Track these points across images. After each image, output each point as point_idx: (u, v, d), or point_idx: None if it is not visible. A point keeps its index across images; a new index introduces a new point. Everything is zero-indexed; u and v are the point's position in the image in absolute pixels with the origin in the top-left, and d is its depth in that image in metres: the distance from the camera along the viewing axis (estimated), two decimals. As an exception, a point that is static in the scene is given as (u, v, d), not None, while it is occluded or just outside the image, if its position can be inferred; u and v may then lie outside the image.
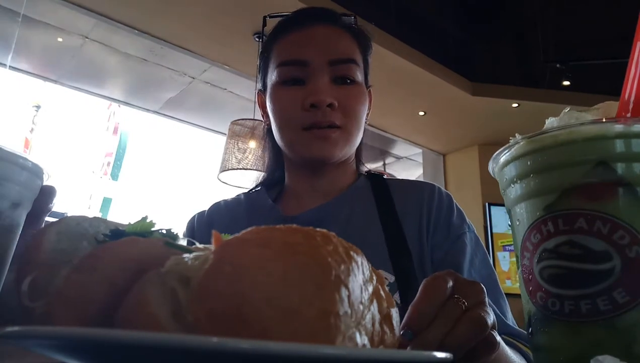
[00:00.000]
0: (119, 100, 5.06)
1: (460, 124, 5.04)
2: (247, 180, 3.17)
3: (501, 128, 4.88)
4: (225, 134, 3.30)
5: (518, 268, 0.41)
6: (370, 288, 0.34)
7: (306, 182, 0.94)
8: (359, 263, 0.32)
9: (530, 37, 5.07)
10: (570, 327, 0.35)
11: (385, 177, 1.00)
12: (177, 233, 0.41)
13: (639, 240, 0.33)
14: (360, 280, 0.32)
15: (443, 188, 0.94)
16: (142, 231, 0.39)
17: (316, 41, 0.87)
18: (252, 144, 3.11)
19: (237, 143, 3.15)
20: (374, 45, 0.96)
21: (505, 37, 5.34)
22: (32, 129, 5.89)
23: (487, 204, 5.11)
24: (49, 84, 4.61)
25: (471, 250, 0.85)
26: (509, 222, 0.43)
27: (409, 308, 0.42)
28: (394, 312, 0.37)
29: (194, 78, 4.37)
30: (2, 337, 0.24)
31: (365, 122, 0.94)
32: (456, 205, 0.92)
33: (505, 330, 0.75)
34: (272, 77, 0.90)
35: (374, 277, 0.36)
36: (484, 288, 0.46)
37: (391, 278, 0.80)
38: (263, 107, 0.98)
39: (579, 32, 4.86)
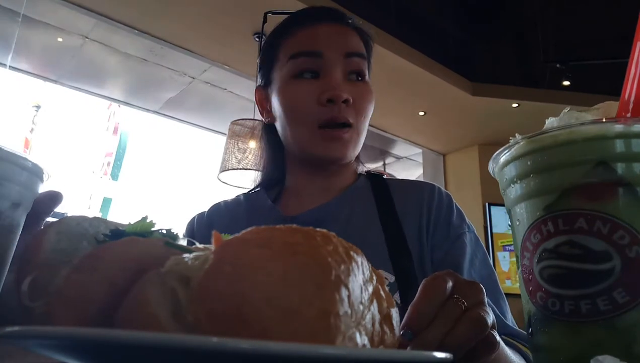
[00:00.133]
0: (119, 100, 5.06)
1: (460, 124, 5.04)
2: (247, 180, 3.17)
3: (501, 128, 4.88)
4: (225, 134, 3.30)
5: (518, 268, 0.41)
6: (370, 288, 0.34)
7: (308, 181, 0.94)
8: (359, 263, 0.32)
9: (530, 37, 5.07)
10: (570, 327, 0.35)
11: (384, 177, 1.00)
12: (177, 233, 0.41)
13: (639, 240, 0.33)
14: (360, 280, 0.32)
15: (443, 188, 0.94)
16: (142, 231, 0.39)
17: (329, 35, 0.88)
18: (252, 144, 3.10)
19: (237, 143, 3.14)
20: (374, 45, 0.97)
21: (505, 37, 5.34)
22: (32, 129, 5.89)
23: (487, 204, 5.11)
24: (49, 84, 4.61)
25: (471, 250, 0.85)
26: (509, 222, 0.43)
27: (409, 308, 0.42)
28: (394, 312, 0.37)
29: (194, 78, 4.38)
30: (2, 337, 0.24)
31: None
32: (456, 205, 0.92)
33: (504, 331, 0.75)
34: (282, 71, 0.89)
35: (374, 277, 0.36)
36: (483, 289, 0.47)
37: (391, 278, 0.80)
38: (263, 104, 0.96)
39: (579, 32, 4.86)
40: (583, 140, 0.36)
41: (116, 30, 3.60)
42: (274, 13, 1.00)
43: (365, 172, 1.02)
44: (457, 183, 5.51)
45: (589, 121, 0.37)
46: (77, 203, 6.88)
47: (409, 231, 0.86)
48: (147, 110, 5.06)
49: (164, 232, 0.41)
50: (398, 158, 6.21)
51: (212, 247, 0.33)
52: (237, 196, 1.06)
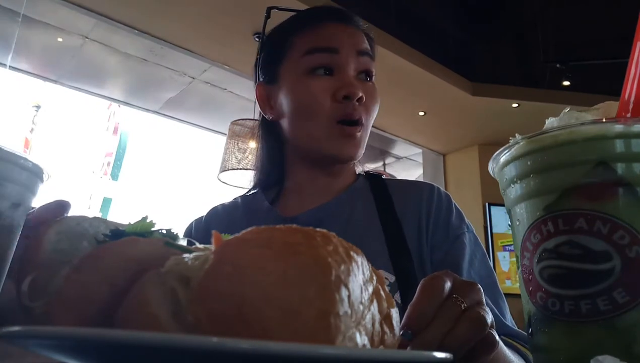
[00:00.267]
0: (119, 100, 5.06)
1: (460, 124, 5.04)
2: (247, 180, 3.16)
3: (501, 128, 4.88)
4: (225, 134, 3.30)
5: (518, 268, 0.41)
6: (370, 289, 0.34)
7: (310, 180, 0.93)
8: (359, 263, 0.32)
9: (530, 37, 5.07)
10: (570, 327, 0.35)
11: (383, 177, 1.00)
12: (177, 234, 0.41)
13: (639, 240, 0.33)
14: (360, 280, 0.32)
15: (442, 189, 0.94)
16: (142, 231, 0.39)
17: (343, 33, 0.89)
18: (252, 144, 3.10)
19: (237, 143, 3.15)
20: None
21: (505, 37, 5.34)
22: (32, 129, 5.89)
23: (487, 204, 5.11)
24: (49, 84, 4.61)
25: (470, 250, 0.85)
26: (509, 222, 0.43)
27: (408, 308, 0.42)
28: (394, 312, 0.37)
29: (194, 78, 4.37)
30: (2, 337, 0.24)
31: None
32: (455, 205, 0.91)
33: (504, 331, 0.75)
34: (293, 67, 0.88)
35: (374, 277, 0.36)
36: (481, 289, 0.47)
37: (391, 278, 0.80)
38: (265, 100, 0.95)
39: (579, 32, 4.86)
40: (583, 140, 0.36)
41: (116, 30, 3.60)
42: (279, 9, 0.99)
43: (365, 172, 1.02)
44: (457, 183, 5.51)
45: (589, 121, 0.37)
46: (77, 203, 6.87)
47: (409, 231, 0.86)
48: (147, 110, 5.06)
49: (164, 232, 0.41)
50: (398, 158, 6.21)
51: (212, 247, 0.33)
52: (234, 199, 1.05)
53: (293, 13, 0.96)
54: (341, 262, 0.30)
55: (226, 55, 3.88)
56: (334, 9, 0.95)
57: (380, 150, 5.92)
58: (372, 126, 0.92)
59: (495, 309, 0.78)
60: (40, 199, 0.45)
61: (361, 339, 0.30)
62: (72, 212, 0.44)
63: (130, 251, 0.36)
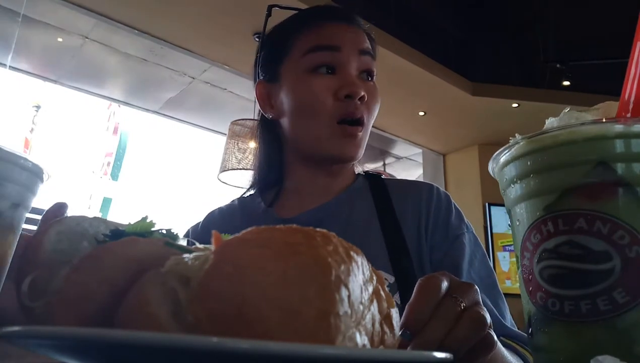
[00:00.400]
0: (119, 100, 5.06)
1: (460, 124, 5.04)
2: (247, 180, 3.17)
3: (501, 128, 4.88)
4: (225, 134, 3.30)
5: (518, 269, 0.41)
6: (370, 289, 0.34)
7: (310, 180, 0.93)
8: (359, 263, 0.32)
9: (530, 37, 5.07)
10: (570, 327, 0.35)
11: (383, 177, 1.00)
12: (177, 234, 0.41)
13: (639, 240, 0.33)
14: (360, 280, 0.32)
15: (441, 189, 0.94)
16: (142, 231, 0.39)
17: (346, 32, 0.89)
18: (252, 144, 3.10)
19: (237, 143, 3.15)
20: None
21: (505, 37, 5.34)
22: (32, 129, 5.89)
23: (487, 204, 5.11)
24: (49, 84, 4.61)
25: (470, 250, 0.85)
26: (509, 222, 0.43)
27: (405, 308, 0.42)
28: (394, 312, 0.37)
29: (194, 78, 4.37)
30: (2, 337, 0.25)
31: None
32: (454, 205, 0.91)
33: (503, 332, 0.75)
34: (295, 65, 0.88)
35: (374, 277, 0.36)
36: (479, 290, 0.47)
37: (391, 278, 0.80)
38: (266, 99, 0.94)
39: (579, 32, 4.86)
40: (583, 140, 0.36)
41: (116, 30, 3.60)
42: (280, 7, 0.99)
43: (364, 172, 1.01)
44: (457, 183, 5.51)
45: (589, 121, 0.37)
46: (77, 203, 6.88)
47: (408, 231, 0.86)
48: (147, 110, 5.06)
49: (164, 232, 0.41)
50: (398, 158, 6.21)
51: (212, 247, 0.33)
52: (231, 201, 1.04)
53: (294, 12, 0.96)
54: (341, 262, 0.30)
55: (226, 55, 3.88)
56: (336, 9, 0.96)
57: (380, 150, 5.92)
58: (372, 126, 0.92)
59: (495, 310, 0.78)
60: (40, 199, 0.45)
61: (361, 339, 0.30)
62: (72, 212, 0.44)
63: (130, 251, 0.36)
